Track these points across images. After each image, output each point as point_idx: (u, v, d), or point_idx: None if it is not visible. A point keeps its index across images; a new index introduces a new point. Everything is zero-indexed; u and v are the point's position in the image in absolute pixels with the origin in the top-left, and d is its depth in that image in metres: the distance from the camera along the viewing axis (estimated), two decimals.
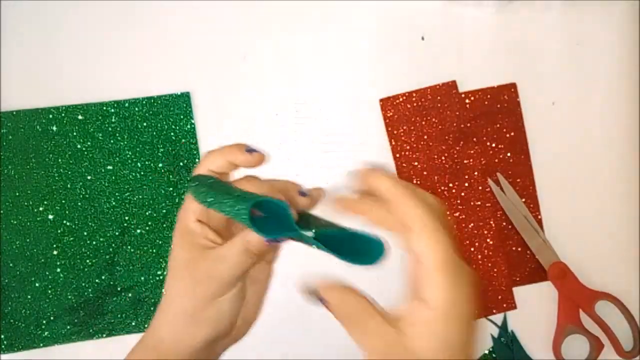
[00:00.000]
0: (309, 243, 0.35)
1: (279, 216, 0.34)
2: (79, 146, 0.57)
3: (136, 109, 0.57)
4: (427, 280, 0.31)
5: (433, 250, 0.30)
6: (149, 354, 0.36)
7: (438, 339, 0.30)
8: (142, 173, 0.57)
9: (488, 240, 0.57)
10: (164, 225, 0.56)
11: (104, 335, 0.56)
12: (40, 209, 0.56)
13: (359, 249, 0.36)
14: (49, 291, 0.56)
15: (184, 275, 0.35)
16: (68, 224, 0.56)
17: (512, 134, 0.58)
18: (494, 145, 0.58)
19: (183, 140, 0.57)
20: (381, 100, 0.58)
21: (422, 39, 0.59)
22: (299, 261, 0.58)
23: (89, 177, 0.57)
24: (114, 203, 0.56)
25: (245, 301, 0.39)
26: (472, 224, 0.57)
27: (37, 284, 0.56)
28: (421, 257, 0.31)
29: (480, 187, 0.57)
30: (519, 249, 0.57)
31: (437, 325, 0.30)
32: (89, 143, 0.57)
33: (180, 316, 0.35)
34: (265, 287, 0.40)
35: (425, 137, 0.57)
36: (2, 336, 0.55)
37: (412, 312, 0.31)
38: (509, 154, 0.57)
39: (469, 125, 0.57)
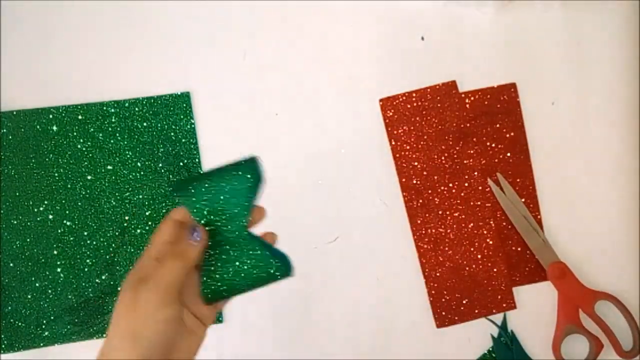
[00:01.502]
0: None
1: None
2: (79, 146, 0.57)
3: (136, 109, 0.57)
4: None
5: None
6: None
7: None
8: (142, 173, 0.57)
9: (488, 240, 0.57)
10: None
11: (104, 335, 0.56)
12: (40, 209, 0.56)
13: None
14: (49, 291, 0.56)
15: (125, 299, 0.38)
16: (68, 224, 0.56)
17: (512, 134, 0.58)
18: (494, 145, 0.58)
19: (183, 140, 0.57)
20: (381, 100, 0.58)
21: (422, 39, 0.59)
22: (300, 261, 0.58)
23: (89, 177, 0.57)
24: (114, 203, 0.56)
25: (178, 348, 0.40)
26: (472, 224, 0.57)
27: (37, 284, 0.56)
28: None
29: (480, 187, 0.57)
30: (519, 249, 0.57)
31: None
32: (89, 143, 0.57)
33: (122, 333, 0.37)
34: (200, 341, 0.42)
35: (425, 137, 0.57)
36: (2, 336, 0.55)
37: None
38: (509, 154, 0.57)
39: (469, 125, 0.57)
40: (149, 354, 0.37)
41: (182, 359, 0.40)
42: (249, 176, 0.40)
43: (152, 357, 0.37)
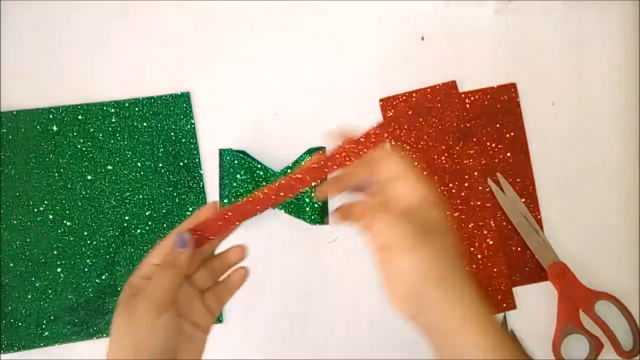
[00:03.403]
0: None
1: None
2: (79, 146, 0.57)
3: (136, 109, 0.57)
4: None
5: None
6: None
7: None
8: (142, 173, 0.57)
9: (488, 240, 0.57)
10: (164, 225, 0.56)
11: (104, 335, 0.56)
12: (41, 209, 0.56)
13: None
14: (49, 291, 0.56)
15: (124, 311, 0.38)
16: (68, 224, 0.56)
17: (512, 134, 0.58)
18: (494, 145, 0.58)
19: (183, 140, 0.57)
20: (381, 100, 0.58)
21: (422, 39, 0.59)
22: (300, 261, 0.58)
23: (89, 177, 0.57)
24: (114, 203, 0.56)
25: (180, 356, 0.40)
26: (472, 224, 0.57)
27: (37, 284, 0.56)
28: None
29: (480, 187, 0.57)
30: (519, 249, 0.57)
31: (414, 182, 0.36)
32: (89, 143, 0.57)
33: (121, 349, 0.38)
34: (201, 349, 0.42)
35: (425, 137, 0.57)
36: (2, 336, 0.55)
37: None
38: (509, 154, 0.57)
39: (469, 125, 0.57)
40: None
41: None
42: None
43: None
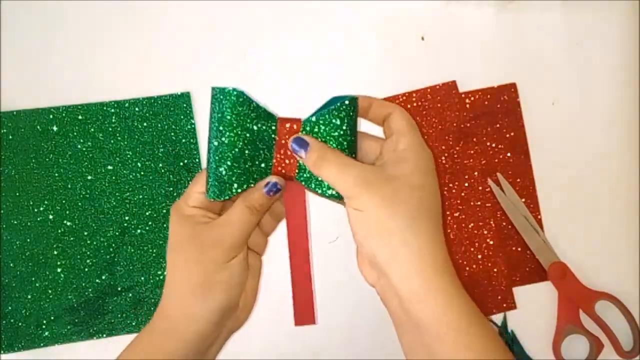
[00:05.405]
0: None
1: None
2: (79, 146, 0.57)
3: (136, 109, 0.57)
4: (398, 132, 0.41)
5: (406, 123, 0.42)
6: (156, 339, 0.36)
7: (412, 164, 0.39)
8: (142, 173, 0.57)
9: (488, 240, 0.57)
10: (164, 225, 0.56)
11: (104, 335, 0.56)
12: (41, 209, 0.56)
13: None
14: (49, 291, 0.56)
15: (189, 248, 0.36)
16: (68, 224, 0.56)
17: (512, 134, 0.58)
18: (494, 145, 0.58)
19: (183, 140, 0.57)
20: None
21: (422, 39, 0.59)
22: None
23: (89, 177, 0.57)
24: (114, 203, 0.56)
25: (245, 289, 0.40)
26: (472, 224, 0.57)
27: (37, 284, 0.56)
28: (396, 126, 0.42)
29: (480, 187, 0.57)
30: (519, 249, 0.57)
31: (410, 155, 0.39)
32: (89, 143, 0.57)
33: (189, 286, 0.35)
34: (259, 274, 0.42)
35: (425, 137, 0.57)
36: (2, 336, 0.55)
37: (387, 152, 0.40)
38: (509, 154, 0.57)
39: (469, 125, 0.57)
40: (225, 301, 0.36)
41: (249, 299, 0.40)
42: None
43: (226, 305, 0.36)
